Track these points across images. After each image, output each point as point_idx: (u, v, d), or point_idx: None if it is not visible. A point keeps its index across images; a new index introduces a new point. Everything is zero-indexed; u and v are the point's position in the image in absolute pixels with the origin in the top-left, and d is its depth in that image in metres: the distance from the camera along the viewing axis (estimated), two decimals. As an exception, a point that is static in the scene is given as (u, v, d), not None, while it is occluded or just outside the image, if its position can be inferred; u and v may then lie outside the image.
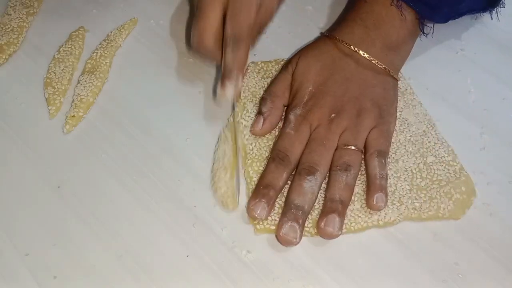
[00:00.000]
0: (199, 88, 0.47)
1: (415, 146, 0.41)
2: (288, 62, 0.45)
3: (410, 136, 0.42)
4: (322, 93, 0.42)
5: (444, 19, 0.45)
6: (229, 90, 0.40)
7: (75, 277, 0.36)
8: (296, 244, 0.36)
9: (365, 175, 0.40)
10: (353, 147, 0.39)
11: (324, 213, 0.37)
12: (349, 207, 0.38)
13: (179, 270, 0.36)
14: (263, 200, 0.37)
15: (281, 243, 0.37)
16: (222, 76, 0.40)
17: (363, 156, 0.40)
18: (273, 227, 0.38)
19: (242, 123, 0.43)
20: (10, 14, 0.51)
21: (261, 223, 0.38)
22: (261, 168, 0.40)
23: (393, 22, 0.43)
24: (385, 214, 0.38)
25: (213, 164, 0.41)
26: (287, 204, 0.37)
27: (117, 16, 0.52)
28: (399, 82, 0.45)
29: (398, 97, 0.44)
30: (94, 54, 0.49)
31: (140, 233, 0.38)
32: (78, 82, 0.46)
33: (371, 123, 0.40)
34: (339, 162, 0.39)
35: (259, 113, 0.43)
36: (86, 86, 0.46)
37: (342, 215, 0.37)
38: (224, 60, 0.40)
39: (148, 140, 0.43)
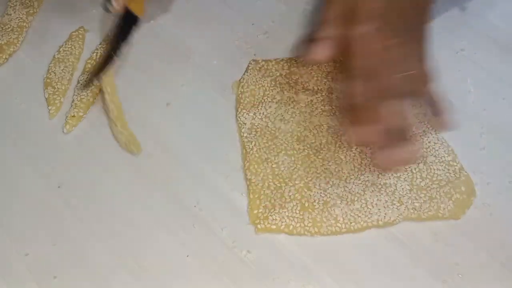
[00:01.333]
0: (199, 88, 0.47)
1: None
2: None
3: (410, 136, 0.42)
4: (390, 13, 0.38)
5: None
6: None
7: (75, 277, 0.36)
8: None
9: (365, 175, 0.40)
10: (412, 73, 0.38)
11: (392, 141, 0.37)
12: (349, 206, 0.38)
13: (179, 270, 0.36)
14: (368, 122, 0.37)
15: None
16: None
17: None
18: (273, 227, 0.38)
19: (239, 119, 0.43)
20: (10, 14, 0.51)
21: (261, 222, 0.38)
22: (260, 170, 0.40)
23: None
24: (385, 214, 0.38)
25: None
26: (387, 129, 0.37)
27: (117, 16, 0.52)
28: None
29: None
30: (94, 54, 0.49)
31: (140, 233, 0.38)
32: (78, 82, 0.46)
33: (425, 50, 0.39)
34: (402, 89, 0.38)
35: (317, 37, 0.40)
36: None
37: (410, 141, 0.38)
38: None
39: (148, 140, 0.43)
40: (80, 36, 0.50)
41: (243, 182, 0.40)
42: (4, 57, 0.48)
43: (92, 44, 0.49)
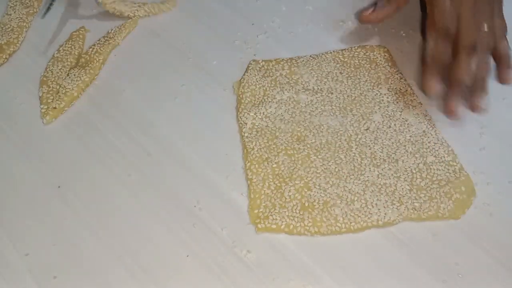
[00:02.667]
0: (199, 88, 0.47)
1: (415, 146, 0.41)
2: None
3: (410, 136, 0.42)
4: None
5: None
6: None
7: (75, 277, 0.36)
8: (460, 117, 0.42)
9: (365, 175, 0.40)
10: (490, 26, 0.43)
11: (475, 89, 0.42)
12: (349, 206, 0.38)
13: (179, 270, 0.36)
14: (437, 76, 0.42)
15: (448, 116, 0.42)
16: None
17: None
18: (274, 226, 0.38)
19: (240, 119, 0.43)
20: (10, 14, 0.51)
21: (262, 222, 0.38)
22: (260, 170, 0.40)
23: None
24: (385, 214, 0.38)
25: None
26: (453, 78, 0.42)
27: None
28: (399, 83, 0.45)
29: (399, 98, 0.44)
30: (91, 49, 0.49)
31: (140, 233, 0.38)
32: (68, 75, 0.46)
33: (499, 7, 0.44)
34: (485, 41, 0.42)
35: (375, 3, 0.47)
36: (73, 80, 0.46)
37: (488, 91, 0.42)
38: None
39: (148, 140, 0.43)
40: (81, 36, 0.50)
41: (243, 182, 0.40)
42: (4, 57, 0.48)
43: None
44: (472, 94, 0.42)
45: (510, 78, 0.43)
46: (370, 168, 0.40)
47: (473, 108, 0.42)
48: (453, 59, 0.42)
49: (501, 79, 0.44)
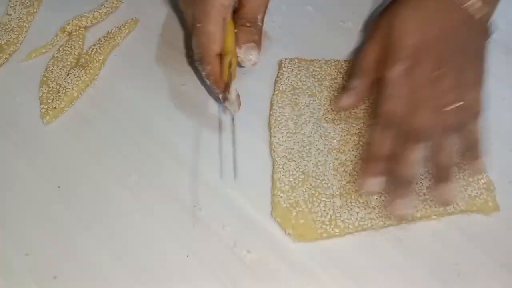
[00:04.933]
0: (199, 88, 0.47)
1: None
2: (374, 29, 0.43)
3: None
4: (423, 48, 0.39)
5: None
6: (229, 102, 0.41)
7: (75, 277, 0.36)
8: (409, 219, 0.37)
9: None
10: (459, 105, 0.37)
11: (437, 182, 0.37)
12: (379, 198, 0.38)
13: (179, 270, 0.36)
14: (379, 174, 0.37)
15: (395, 219, 0.37)
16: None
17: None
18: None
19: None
20: (10, 14, 0.51)
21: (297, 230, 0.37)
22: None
23: None
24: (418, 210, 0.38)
25: None
26: (396, 177, 0.36)
27: (117, 16, 0.52)
28: None
29: None
30: (91, 49, 0.49)
31: (140, 233, 0.38)
32: (68, 75, 0.46)
33: (475, 80, 0.38)
34: (447, 123, 0.37)
35: (348, 88, 0.42)
36: (73, 80, 0.46)
37: (454, 180, 0.37)
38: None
39: (148, 140, 0.43)
40: (81, 36, 0.50)
41: (243, 182, 0.40)
42: (4, 57, 0.48)
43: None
44: (435, 187, 0.37)
45: (480, 169, 0.38)
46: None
47: (440, 203, 0.37)
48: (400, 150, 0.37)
49: (469, 170, 0.38)
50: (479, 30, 0.41)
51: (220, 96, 0.42)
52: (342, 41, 0.49)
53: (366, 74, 0.41)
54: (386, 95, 0.38)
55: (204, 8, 0.40)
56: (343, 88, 0.43)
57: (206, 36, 0.40)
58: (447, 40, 0.39)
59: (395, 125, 0.37)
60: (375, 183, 0.37)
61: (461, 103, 0.37)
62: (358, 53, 0.44)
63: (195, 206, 0.39)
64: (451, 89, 0.38)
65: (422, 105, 0.37)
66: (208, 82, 0.42)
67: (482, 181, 0.40)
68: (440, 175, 0.37)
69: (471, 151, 0.38)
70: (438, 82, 0.38)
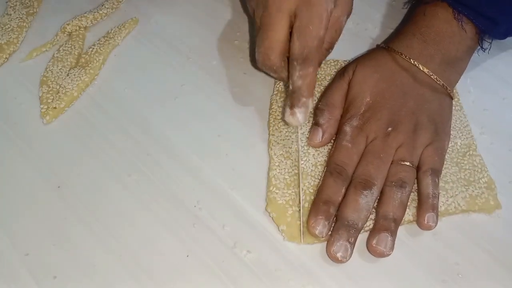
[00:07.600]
0: (199, 88, 0.47)
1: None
2: (343, 70, 0.44)
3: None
4: (379, 105, 0.41)
5: (504, 35, 0.44)
6: (299, 117, 0.39)
7: (75, 277, 0.36)
8: (345, 262, 0.36)
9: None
10: (408, 163, 0.39)
11: (376, 231, 0.36)
12: None
13: (179, 270, 0.36)
14: (323, 217, 0.36)
15: (330, 259, 0.36)
16: (290, 101, 0.39)
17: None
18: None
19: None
20: (10, 14, 0.51)
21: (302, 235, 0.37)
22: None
23: (452, 37, 0.42)
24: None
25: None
26: (341, 220, 0.37)
27: (117, 16, 0.52)
28: None
29: None
30: (90, 49, 0.49)
31: (140, 233, 0.38)
32: (68, 75, 0.46)
33: (427, 139, 0.40)
34: (394, 178, 0.38)
35: (316, 124, 0.42)
36: (73, 80, 0.46)
37: (394, 234, 0.36)
38: (292, 85, 0.39)
39: (148, 140, 0.43)
40: (81, 36, 0.50)
41: (243, 182, 0.40)
42: (4, 57, 0.48)
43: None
44: (371, 236, 0.37)
45: (429, 225, 0.37)
46: None
47: (372, 253, 0.36)
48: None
49: (418, 223, 0.37)
50: (442, 93, 0.42)
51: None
52: (342, 41, 0.49)
53: (332, 110, 0.42)
54: (339, 145, 0.40)
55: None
56: (313, 124, 0.42)
57: (269, 38, 0.39)
58: (404, 100, 0.41)
59: (343, 173, 0.38)
60: (318, 224, 0.36)
61: (408, 163, 0.39)
62: (325, 88, 0.45)
63: (195, 206, 0.39)
64: (401, 147, 0.39)
65: (370, 156, 0.39)
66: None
67: (483, 180, 0.40)
68: (379, 225, 0.37)
69: (420, 206, 0.38)
70: (390, 139, 0.39)
